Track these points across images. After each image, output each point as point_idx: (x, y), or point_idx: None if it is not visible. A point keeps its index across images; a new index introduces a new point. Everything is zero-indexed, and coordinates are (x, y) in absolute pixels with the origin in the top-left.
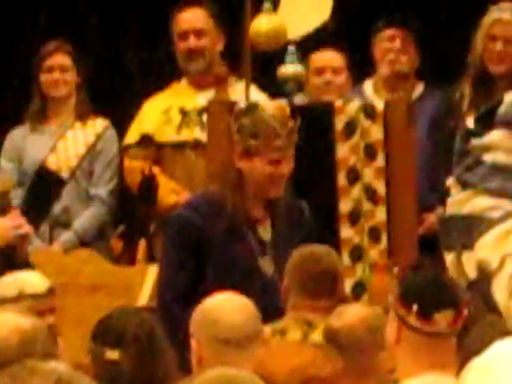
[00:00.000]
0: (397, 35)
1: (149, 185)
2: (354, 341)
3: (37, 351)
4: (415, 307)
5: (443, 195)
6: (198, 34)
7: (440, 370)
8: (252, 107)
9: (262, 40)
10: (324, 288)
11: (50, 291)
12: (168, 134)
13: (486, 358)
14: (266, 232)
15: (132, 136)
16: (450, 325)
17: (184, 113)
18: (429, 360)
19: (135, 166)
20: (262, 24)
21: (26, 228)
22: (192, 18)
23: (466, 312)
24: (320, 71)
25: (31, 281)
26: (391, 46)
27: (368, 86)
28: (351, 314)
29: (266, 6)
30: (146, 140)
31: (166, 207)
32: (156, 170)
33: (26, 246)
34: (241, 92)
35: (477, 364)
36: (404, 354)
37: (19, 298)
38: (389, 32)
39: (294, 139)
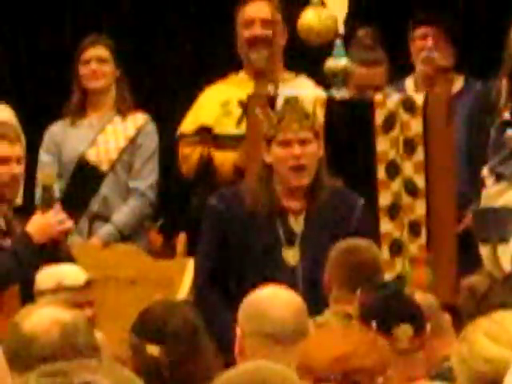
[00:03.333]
0: (428, 33)
1: (207, 168)
2: None
3: (78, 343)
4: (374, 324)
5: (479, 186)
6: (265, 23)
7: None
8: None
9: (312, 34)
10: (365, 281)
11: (88, 284)
12: (227, 127)
13: None
14: (297, 223)
15: (189, 125)
16: (411, 340)
17: (244, 106)
18: (398, 376)
19: (190, 152)
20: (311, 18)
21: (69, 223)
22: (259, 9)
23: (428, 327)
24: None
25: (69, 273)
26: (423, 44)
27: (409, 82)
28: None
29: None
30: (204, 131)
31: (226, 176)
32: (214, 154)
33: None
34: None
35: None
36: None
37: (57, 290)
38: (420, 31)
39: (313, 127)
